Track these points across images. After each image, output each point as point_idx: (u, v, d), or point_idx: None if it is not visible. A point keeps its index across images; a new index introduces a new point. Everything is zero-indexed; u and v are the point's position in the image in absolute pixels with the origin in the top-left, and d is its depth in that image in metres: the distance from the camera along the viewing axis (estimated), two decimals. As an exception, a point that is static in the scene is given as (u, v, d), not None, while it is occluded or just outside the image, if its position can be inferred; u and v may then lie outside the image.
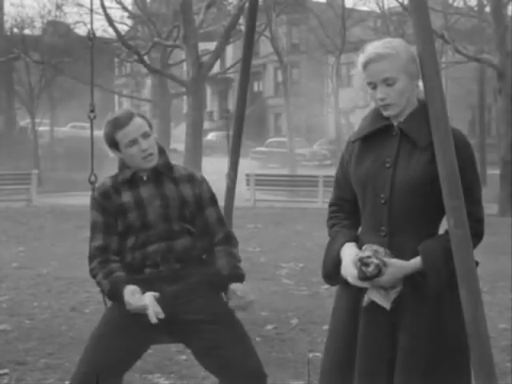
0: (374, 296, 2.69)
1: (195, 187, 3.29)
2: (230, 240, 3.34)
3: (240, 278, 3.25)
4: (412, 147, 2.69)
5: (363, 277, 2.62)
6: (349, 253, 2.71)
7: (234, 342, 3.13)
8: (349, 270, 2.68)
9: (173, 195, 3.22)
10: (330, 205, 2.91)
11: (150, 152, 3.18)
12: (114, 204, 3.20)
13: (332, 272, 2.78)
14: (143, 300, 3.00)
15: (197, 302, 3.17)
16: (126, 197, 3.20)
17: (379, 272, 2.60)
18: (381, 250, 2.65)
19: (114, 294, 3.09)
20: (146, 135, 3.17)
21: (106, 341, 3.11)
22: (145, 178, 3.24)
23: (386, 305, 2.68)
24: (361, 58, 2.72)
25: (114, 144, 3.19)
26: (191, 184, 3.28)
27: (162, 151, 3.28)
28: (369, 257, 2.61)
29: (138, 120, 3.18)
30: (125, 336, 3.10)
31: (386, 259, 2.62)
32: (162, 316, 2.97)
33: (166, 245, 3.18)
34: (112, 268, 3.14)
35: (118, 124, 3.16)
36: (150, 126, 3.24)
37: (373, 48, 2.70)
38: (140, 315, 3.01)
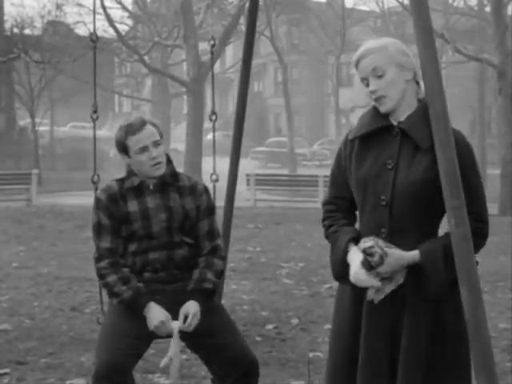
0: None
1: (196, 199, 3.37)
2: (214, 252, 3.40)
3: (207, 292, 3.32)
4: (414, 148, 2.67)
5: (368, 267, 2.62)
6: (357, 257, 2.67)
7: (225, 329, 3.31)
8: (359, 275, 2.65)
9: (177, 208, 3.31)
10: (325, 203, 2.85)
11: (159, 160, 3.27)
12: (121, 210, 3.28)
13: (343, 272, 2.72)
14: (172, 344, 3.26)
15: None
16: (132, 206, 3.29)
17: (382, 261, 2.61)
18: (380, 240, 2.64)
19: (135, 304, 3.21)
20: (156, 144, 3.27)
21: (118, 328, 3.20)
22: (151, 188, 3.32)
23: (376, 297, 2.66)
24: (354, 58, 2.76)
25: (124, 149, 3.28)
26: (193, 196, 3.37)
27: (169, 161, 3.37)
28: (371, 247, 2.61)
29: (150, 128, 3.28)
30: (135, 323, 3.21)
31: (386, 249, 2.62)
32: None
33: (166, 254, 3.30)
34: (127, 274, 3.24)
35: (130, 130, 3.25)
36: (161, 135, 3.33)
37: (363, 46, 2.74)
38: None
